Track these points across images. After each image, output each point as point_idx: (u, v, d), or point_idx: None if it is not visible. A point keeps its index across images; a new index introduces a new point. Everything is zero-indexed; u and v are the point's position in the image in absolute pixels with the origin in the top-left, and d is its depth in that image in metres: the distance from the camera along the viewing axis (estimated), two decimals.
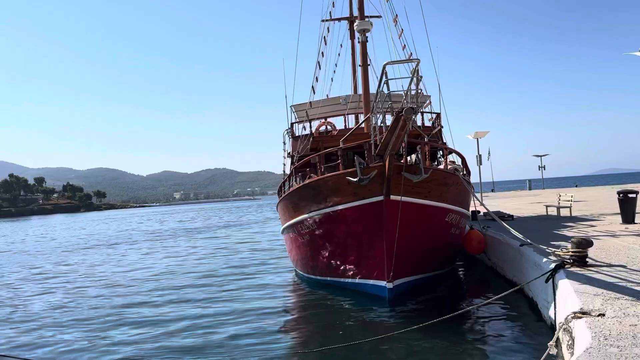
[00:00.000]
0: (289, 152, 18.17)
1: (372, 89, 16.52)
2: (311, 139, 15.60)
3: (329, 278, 12.46)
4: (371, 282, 10.81)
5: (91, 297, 13.89)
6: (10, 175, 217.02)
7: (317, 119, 18.20)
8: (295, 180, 14.47)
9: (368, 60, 16.23)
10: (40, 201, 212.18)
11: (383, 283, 10.38)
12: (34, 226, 79.98)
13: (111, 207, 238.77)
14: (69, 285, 16.38)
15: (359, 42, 16.03)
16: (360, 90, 18.18)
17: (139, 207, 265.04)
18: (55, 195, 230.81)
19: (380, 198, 9.93)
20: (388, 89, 8.43)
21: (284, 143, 19.14)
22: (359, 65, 16.41)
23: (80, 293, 14.62)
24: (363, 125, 15.00)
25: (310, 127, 16.83)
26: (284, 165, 19.66)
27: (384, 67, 8.26)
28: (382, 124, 9.51)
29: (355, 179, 9.87)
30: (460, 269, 14.63)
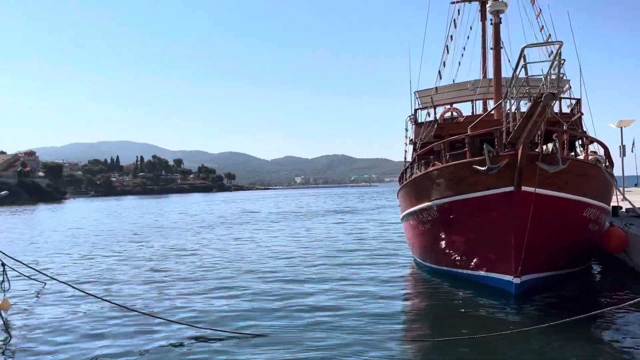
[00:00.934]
0: (411, 139, 17.96)
1: (504, 74, 15.75)
2: (435, 125, 15.28)
3: (450, 269, 12.21)
4: (497, 276, 10.41)
5: (217, 267, 15.14)
6: (154, 157, 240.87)
7: (442, 104, 17.75)
8: (418, 168, 14.31)
9: (500, 43, 15.44)
10: (179, 181, 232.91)
11: (510, 278, 9.97)
12: (187, 202, 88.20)
13: (239, 188, 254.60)
14: (203, 258, 17.98)
15: (491, 23, 15.32)
16: (490, 75, 17.37)
17: (264, 189, 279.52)
18: (191, 176, 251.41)
19: (510, 189, 9.51)
20: (526, 73, 8.02)
21: (406, 130, 18.95)
22: (491, 48, 15.65)
23: (208, 264, 16.01)
24: (493, 111, 14.37)
25: (435, 113, 16.50)
26: (405, 152, 19.53)
27: (522, 50, 7.88)
28: (516, 110, 9.07)
29: (483, 168, 9.54)
30: (596, 269, 13.54)
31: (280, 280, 12.99)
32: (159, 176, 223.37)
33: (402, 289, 12.05)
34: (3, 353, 7.89)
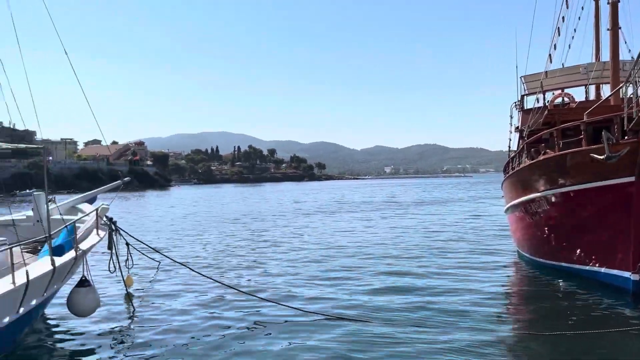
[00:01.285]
0: (517, 127, 17.17)
1: (622, 56, 14.61)
2: (545, 112, 14.46)
3: (558, 263, 11.64)
4: (611, 271, 9.81)
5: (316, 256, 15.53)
6: (249, 147, 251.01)
7: (552, 90, 16.76)
8: (526, 157, 13.68)
9: (618, 23, 14.24)
10: (272, 170, 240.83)
11: (627, 274, 9.37)
12: (280, 190, 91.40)
13: (329, 177, 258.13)
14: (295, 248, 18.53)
15: (608, 3, 14.17)
16: (604, 58, 16.13)
17: (353, 179, 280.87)
18: (283, 165, 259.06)
19: (631, 179, 8.91)
20: None
21: (511, 117, 18.19)
22: (607, 30, 14.47)
23: (308, 251, 16.45)
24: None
25: (544, 99, 15.59)
26: (510, 140, 18.80)
27: None
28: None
29: (601, 157, 8.95)
30: None
31: (378, 270, 13.06)
32: (254, 165, 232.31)
33: (506, 283, 11.74)
34: (129, 321, 8.87)
